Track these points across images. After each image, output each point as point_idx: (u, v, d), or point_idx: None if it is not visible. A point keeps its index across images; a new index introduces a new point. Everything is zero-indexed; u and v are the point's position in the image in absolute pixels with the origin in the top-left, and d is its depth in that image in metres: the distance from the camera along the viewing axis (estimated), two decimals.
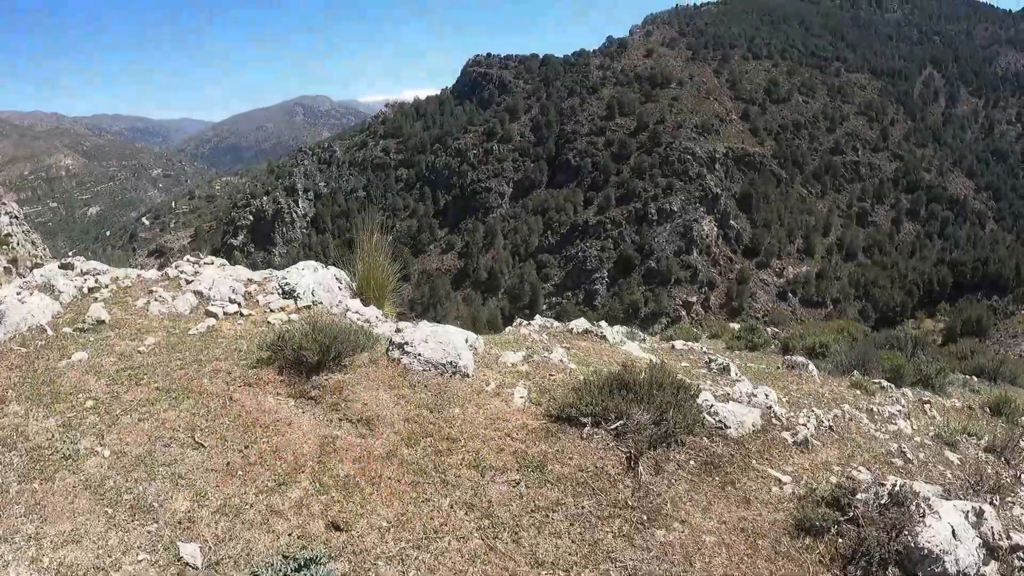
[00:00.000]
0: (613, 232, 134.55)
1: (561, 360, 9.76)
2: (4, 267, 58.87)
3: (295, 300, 10.08)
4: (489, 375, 9.01)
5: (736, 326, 20.33)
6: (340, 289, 11.04)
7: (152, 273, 10.97)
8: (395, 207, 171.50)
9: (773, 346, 15.94)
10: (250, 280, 10.75)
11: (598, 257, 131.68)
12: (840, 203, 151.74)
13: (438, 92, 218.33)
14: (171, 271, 10.94)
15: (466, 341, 9.12)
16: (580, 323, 12.41)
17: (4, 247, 66.68)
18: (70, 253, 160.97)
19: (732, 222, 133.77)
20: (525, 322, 12.65)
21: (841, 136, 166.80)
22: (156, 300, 9.68)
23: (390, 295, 12.20)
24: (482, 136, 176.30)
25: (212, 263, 11.52)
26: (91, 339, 8.56)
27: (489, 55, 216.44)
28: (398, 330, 9.42)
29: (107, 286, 10.18)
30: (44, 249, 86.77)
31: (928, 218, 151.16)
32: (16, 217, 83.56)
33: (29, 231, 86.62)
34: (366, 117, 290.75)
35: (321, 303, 10.25)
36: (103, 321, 8.99)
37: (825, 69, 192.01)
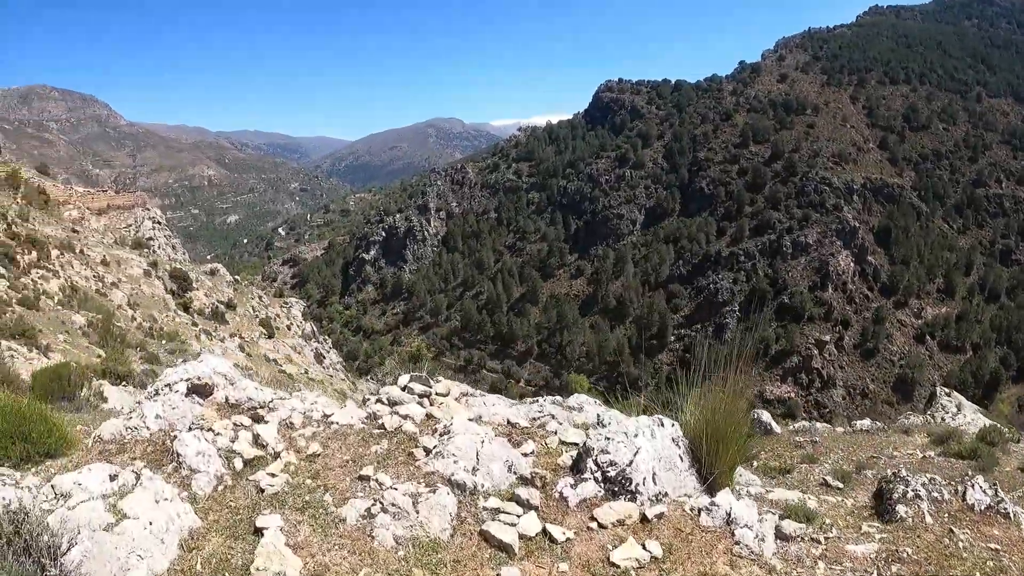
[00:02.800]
0: (746, 264, 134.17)
1: None
2: (144, 270, 63.39)
3: (633, 497, 6.22)
4: None
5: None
6: (682, 460, 7.13)
7: (350, 413, 7.41)
8: (525, 230, 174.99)
9: None
10: (513, 426, 7.25)
11: (730, 290, 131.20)
12: (983, 239, 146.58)
13: (570, 117, 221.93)
14: (386, 416, 7.27)
15: None
16: (977, 494, 7.92)
17: (145, 250, 71.40)
18: (209, 257, 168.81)
19: (870, 257, 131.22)
20: (908, 489, 7.82)
21: (984, 166, 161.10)
22: (381, 504, 5.70)
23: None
24: (614, 162, 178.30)
25: (446, 393, 7.96)
26: None
27: (621, 80, 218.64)
28: None
29: (276, 452, 6.57)
30: (184, 253, 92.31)
31: None
32: (158, 222, 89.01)
33: (171, 236, 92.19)
34: (497, 140, 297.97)
35: (667, 495, 6.52)
36: None
37: (966, 95, 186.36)
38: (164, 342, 43.53)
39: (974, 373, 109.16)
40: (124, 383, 20.96)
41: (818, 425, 15.10)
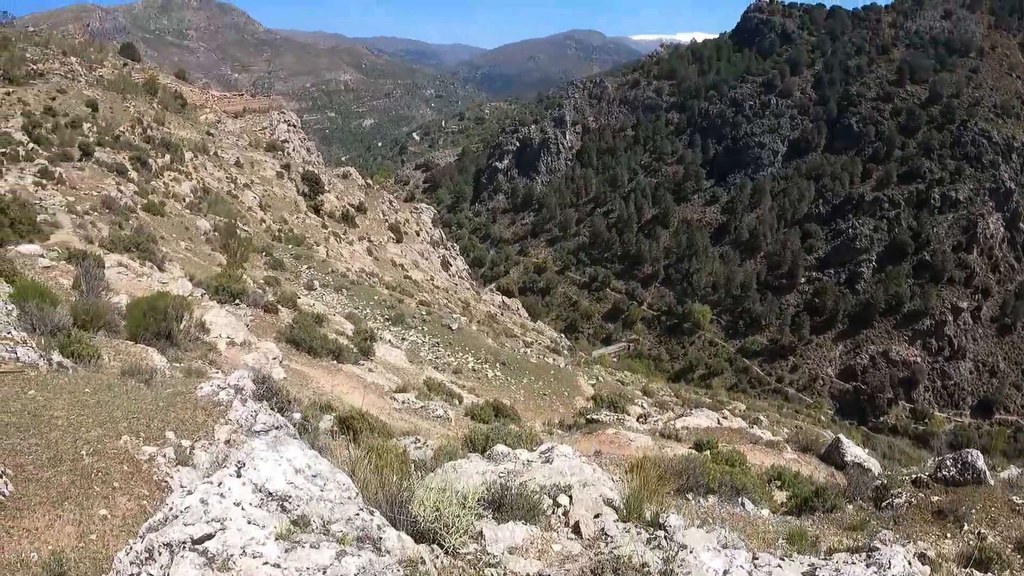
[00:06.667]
0: (889, 213, 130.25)
1: None
2: (277, 172, 66.08)
3: None
4: None
5: None
6: None
7: None
8: (662, 151, 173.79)
9: None
10: None
11: (869, 237, 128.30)
12: None
13: (715, 36, 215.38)
14: None
15: None
16: None
17: (279, 152, 74.15)
18: (343, 159, 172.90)
19: (1022, 224, 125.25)
20: None
21: None
22: None
23: None
24: (759, 87, 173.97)
25: None
26: None
27: (771, 1, 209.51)
28: None
29: None
30: (318, 156, 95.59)
31: None
32: (293, 125, 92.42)
33: (305, 138, 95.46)
34: (638, 55, 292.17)
35: None
36: None
37: None
38: (291, 246, 46.28)
39: None
40: (237, 301, 21.62)
41: None
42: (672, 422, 25.71)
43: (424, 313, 39.05)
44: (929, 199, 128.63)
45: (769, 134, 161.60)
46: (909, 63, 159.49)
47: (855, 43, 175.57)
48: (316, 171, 73.73)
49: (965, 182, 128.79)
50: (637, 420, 26.95)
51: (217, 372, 11.42)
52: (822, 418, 56.95)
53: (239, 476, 5.06)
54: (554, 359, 44.04)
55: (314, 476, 5.28)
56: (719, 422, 27.60)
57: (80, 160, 37.13)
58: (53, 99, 47.50)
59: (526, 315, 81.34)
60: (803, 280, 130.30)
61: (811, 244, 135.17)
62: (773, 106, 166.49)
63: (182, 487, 5.44)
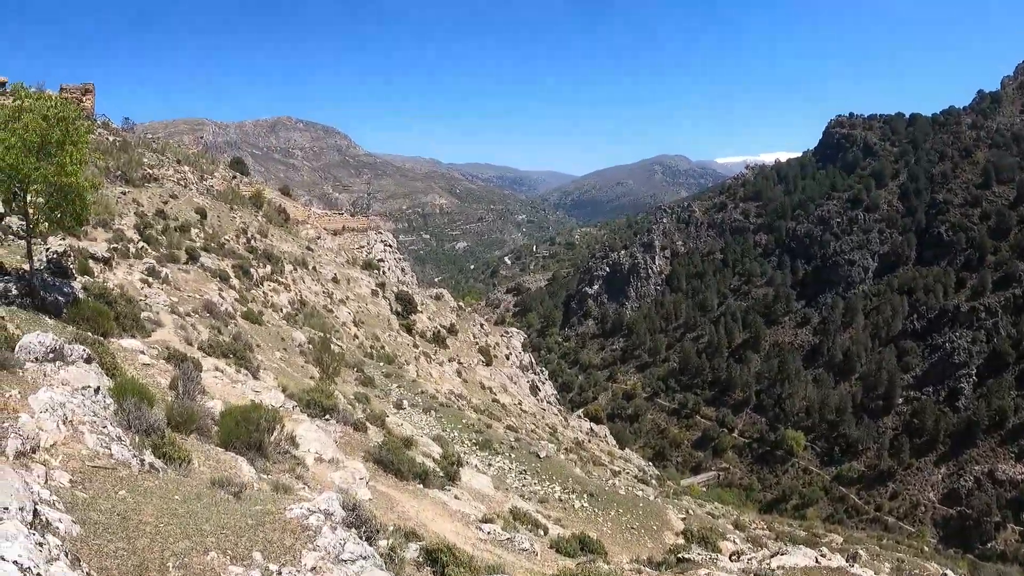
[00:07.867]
0: (987, 322, 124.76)
1: None
2: (372, 290, 67.15)
3: None
4: None
5: None
6: None
7: None
8: (751, 273, 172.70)
9: None
10: None
11: (967, 350, 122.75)
12: None
13: (799, 155, 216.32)
14: None
15: None
16: None
17: (375, 271, 75.53)
18: (436, 280, 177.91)
19: None
20: None
21: None
22: None
23: None
24: (846, 203, 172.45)
25: None
26: None
27: (852, 115, 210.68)
28: None
29: None
30: (412, 276, 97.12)
31: None
32: (389, 245, 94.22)
33: (400, 258, 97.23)
34: (723, 178, 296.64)
35: None
36: None
37: None
38: (382, 364, 46.31)
39: None
40: (327, 416, 21.26)
41: None
42: (767, 561, 24.15)
43: (512, 439, 38.51)
44: None
45: (858, 250, 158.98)
46: (994, 163, 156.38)
47: (937, 149, 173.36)
48: (409, 291, 74.82)
49: None
50: (730, 558, 25.66)
51: (304, 488, 11.86)
52: (924, 548, 54.29)
53: None
54: (643, 490, 42.72)
55: None
56: (817, 560, 25.03)
57: (186, 263, 38.36)
58: (165, 203, 49.58)
59: (614, 442, 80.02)
60: (900, 400, 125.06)
61: (907, 362, 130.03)
62: (861, 221, 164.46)
63: None
